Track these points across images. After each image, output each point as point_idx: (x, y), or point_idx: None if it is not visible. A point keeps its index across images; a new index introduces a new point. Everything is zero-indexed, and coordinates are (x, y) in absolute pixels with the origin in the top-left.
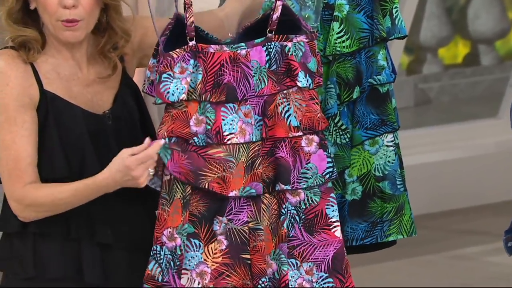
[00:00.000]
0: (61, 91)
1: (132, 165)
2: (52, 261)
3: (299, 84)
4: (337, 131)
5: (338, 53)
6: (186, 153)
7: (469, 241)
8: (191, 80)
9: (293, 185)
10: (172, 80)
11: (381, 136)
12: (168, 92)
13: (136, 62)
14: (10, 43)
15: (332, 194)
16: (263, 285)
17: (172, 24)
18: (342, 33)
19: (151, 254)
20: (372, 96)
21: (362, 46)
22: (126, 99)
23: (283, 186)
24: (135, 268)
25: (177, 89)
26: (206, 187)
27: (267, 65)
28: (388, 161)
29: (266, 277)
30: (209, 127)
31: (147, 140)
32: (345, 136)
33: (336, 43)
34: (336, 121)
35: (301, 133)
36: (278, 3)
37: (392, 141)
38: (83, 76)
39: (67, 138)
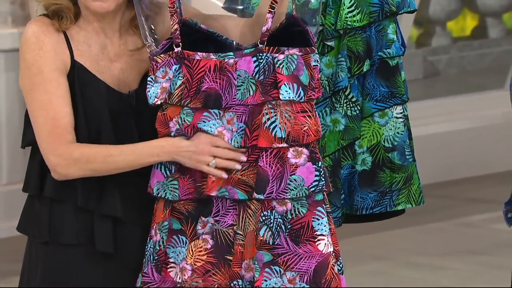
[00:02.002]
0: (89, 64)
1: (205, 140)
2: (65, 227)
3: (280, 96)
4: (348, 103)
5: (349, 27)
6: (186, 174)
7: (476, 209)
8: (170, 85)
9: (271, 195)
10: (154, 84)
11: (390, 108)
12: (149, 96)
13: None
14: (44, 11)
15: (319, 208)
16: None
17: (177, 29)
18: (353, 8)
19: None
20: (382, 69)
21: (372, 20)
22: None
23: (255, 194)
24: (145, 242)
25: (153, 93)
26: (204, 196)
27: (256, 75)
28: (397, 132)
29: (240, 280)
30: (178, 127)
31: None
32: (356, 108)
33: (347, 18)
34: (346, 93)
35: (285, 145)
36: (268, 15)
37: (401, 112)
38: (113, 50)
39: (88, 111)
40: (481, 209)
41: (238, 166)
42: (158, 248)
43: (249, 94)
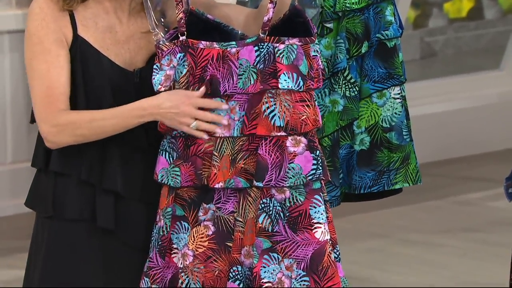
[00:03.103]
0: (94, 40)
1: (187, 100)
2: (69, 202)
3: (279, 85)
4: (346, 84)
5: (347, 9)
6: (189, 160)
7: (472, 187)
8: (175, 73)
9: (270, 183)
10: (159, 71)
11: (388, 89)
12: (154, 83)
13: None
14: None
15: (316, 196)
16: (234, 273)
17: (183, 18)
18: None
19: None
20: (380, 50)
21: (371, 2)
22: None
23: (255, 182)
24: (147, 219)
25: (158, 80)
26: (205, 183)
27: (257, 64)
28: (395, 113)
29: (239, 266)
30: None
31: (203, 88)
32: (354, 89)
33: (345, 0)
34: (345, 75)
35: (283, 133)
36: (270, 5)
37: (399, 93)
38: (122, 30)
39: (89, 87)
40: (476, 187)
41: (219, 130)
42: (162, 233)
43: (250, 83)
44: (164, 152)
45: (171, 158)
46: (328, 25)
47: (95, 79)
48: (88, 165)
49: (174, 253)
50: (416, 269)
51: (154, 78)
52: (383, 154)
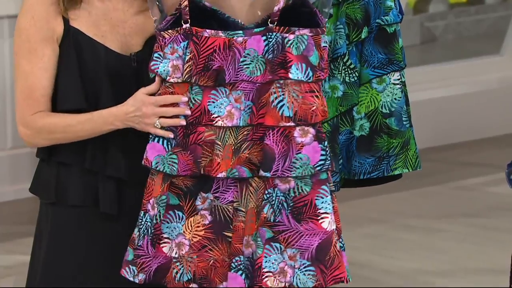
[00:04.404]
0: (87, 29)
1: (147, 101)
2: (71, 189)
3: (290, 76)
4: (346, 70)
5: None
6: (187, 149)
7: (471, 172)
8: (181, 62)
9: (276, 173)
10: (162, 60)
11: (388, 75)
12: (160, 73)
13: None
14: None
15: (324, 186)
16: (236, 263)
17: (187, 6)
18: None
19: (138, 219)
20: (379, 36)
21: None
22: None
23: (262, 172)
24: None
25: (164, 70)
26: (202, 172)
27: (265, 54)
28: (395, 99)
29: (241, 256)
30: (191, 106)
31: (158, 79)
32: (354, 75)
33: None
34: (345, 60)
35: (292, 124)
36: None
37: (398, 79)
38: (116, 15)
39: (86, 74)
40: (476, 172)
41: (183, 122)
42: (155, 222)
43: (259, 72)
44: (160, 139)
45: (169, 146)
46: (326, 10)
47: (91, 67)
48: (91, 154)
49: (165, 242)
50: (416, 254)
51: (158, 67)
52: (383, 140)
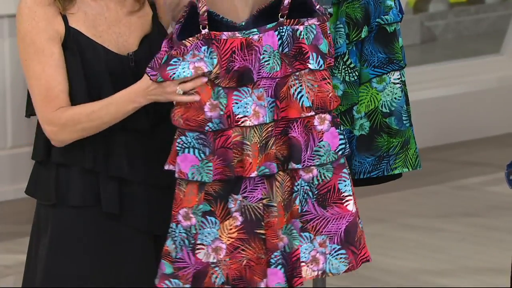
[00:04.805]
0: (85, 29)
1: None
2: (72, 190)
3: (310, 66)
4: (346, 69)
5: None
6: (215, 154)
7: (471, 172)
8: (205, 64)
9: (304, 163)
10: (180, 63)
11: (388, 74)
12: (173, 73)
13: (170, 16)
14: None
15: (344, 170)
16: (275, 259)
17: (186, 12)
18: None
19: (169, 231)
20: (379, 35)
21: None
22: (153, 44)
23: (294, 165)
24: (152, 202)
25: (183, 71)
26: (238, 174)
27: (280, 48)
28: (395, 98)
29: (278, 251)
30: (222, 112)
31: None
32: (354, 74)
33: None
34: (345, 59)
35: (313, 113)
36: None
37: (398, 78)
38: (110, 15)
39: (88, 75)
40: (475, 172)
41: (204, 79)
42: (194, 231)
43: (278, 67)
44: (191, 150)
45: (201, 154)
46: (328, 10)
47: (93, 67)
48: (91, 154)
49: (199, 249)
50: (416, 254)
51: (177, 70)
52: (383, 139)
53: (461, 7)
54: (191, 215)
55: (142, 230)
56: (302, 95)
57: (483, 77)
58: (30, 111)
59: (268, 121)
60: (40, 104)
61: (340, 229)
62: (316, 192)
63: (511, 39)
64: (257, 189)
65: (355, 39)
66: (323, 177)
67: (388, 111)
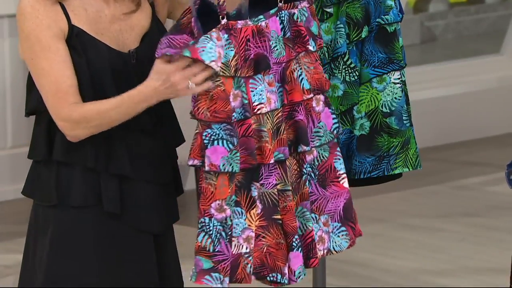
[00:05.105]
0: (87, 27)
1: (170, 70)
2: (73, 190)
3: (310, 48)
4: (346, 69)
5: None
6: (241, 145)
7: (471, 172)
8: (224, 54)
9: (310, 145)
10: (209, 41)
11: (388, 74)
12: (203, 50)
13: (167, 12)
14: None
15: (338, 148)
16: (296, 242)
17: (198, 4)
18: None
19: (200, 226)
20: (380, 35)
21: None
22: (153, 41)
23: (304, 147)
24: (154, 200)
25: (212, 50)
26: (259, 161)
27: (282, 33)
28: (395, 98)
29: (297, 234)
30: (246, 101)
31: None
32: (354, 74)
33: None
34: (345, 59)
35: (312, 95)
36: None
37: (399, 78)
38: (110, 13)
39: (92, 73)
40: (475, 172)
41: (217, 68)
42: (230, 223)
43: (284, 52)
44: (220, 141)
45: (230, 145)
46: (328, 10)
47: (96, 65)
48: (93, 152)
49: (231, 241)
50: (416, 254)
51: (205, 46)
52: (383, 139)
53: (461, 7)
54: (225, 207)
55: (143, 230)
56: (303, 78)
57: (483, 77)
58: (28, 110)
59: (279, 107)
60: (51, 100)
61: (339, 207)
62: (317, 173)
63: (511, 39)
64: (271, 175)
65: (355, 39)
66: (321, 158)
67: (388, 111)
